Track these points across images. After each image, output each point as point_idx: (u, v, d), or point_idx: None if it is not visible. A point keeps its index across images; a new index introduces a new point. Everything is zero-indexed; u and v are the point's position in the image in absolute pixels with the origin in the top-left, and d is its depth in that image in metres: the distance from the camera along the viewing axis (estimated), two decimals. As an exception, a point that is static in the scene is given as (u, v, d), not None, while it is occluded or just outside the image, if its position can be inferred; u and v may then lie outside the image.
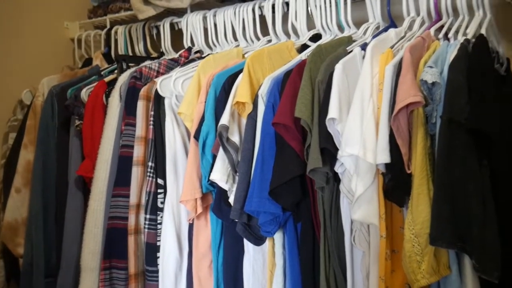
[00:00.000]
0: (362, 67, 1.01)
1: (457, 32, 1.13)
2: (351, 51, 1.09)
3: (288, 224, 1.10)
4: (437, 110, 0.93)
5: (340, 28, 1.36)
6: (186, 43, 1.62)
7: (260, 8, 1.48)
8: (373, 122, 0.94)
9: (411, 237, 0.92)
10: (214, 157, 1.14)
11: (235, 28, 1.52)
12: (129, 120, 1.31)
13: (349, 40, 1.25)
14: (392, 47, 1.06)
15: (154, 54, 1.75)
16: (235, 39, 1.53)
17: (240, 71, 1.18)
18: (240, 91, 1.12)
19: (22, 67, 1.77)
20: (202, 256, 1.22)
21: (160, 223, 1.25)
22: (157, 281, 1.24)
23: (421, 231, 0.91)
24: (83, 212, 1.38)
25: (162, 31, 1.70)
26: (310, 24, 1.40)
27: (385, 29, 1.23)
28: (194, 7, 1.63)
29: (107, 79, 1.49)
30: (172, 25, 1.70)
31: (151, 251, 1.25)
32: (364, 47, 1.07)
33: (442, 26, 1.18)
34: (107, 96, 1.41)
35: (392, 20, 1.29)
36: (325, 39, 1.35)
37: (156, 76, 1.39)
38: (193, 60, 1.46)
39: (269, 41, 1.47)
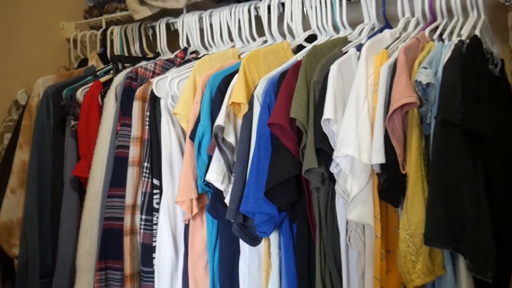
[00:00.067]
0: (357, 68, 1.02)
1: (451, 33, 1.14)
2: (347, 52, 1.10)
3: (283, 224, 1.10)
4: (431, 111, 0.93)
5: (336, 29, 1.37)
6: (182, 43, 1.62)
7: (256, 8, 1.48)
8: (368, 122, 0.95)
9: (406, 237, 0.93)
10: (209, 158, 1.14)
11: (231, 28, 1.52)
12: (125, 121, 1.31)
13: (345, 41, 1.26)
14: (387, 48, 1.06)
15: (150, 55, 1.75)
16: (231, 39, 1.53)
17: (236, 71, 1.18)
18: (235, 92, 1.12)
19: (18, 67, 1.76)
20: (198, 256, 1.22)
21: (156, 224, 1.25)
22: (153, 281, 1.24)
23: (416, 231, 0.92)
24: (78, 213, 1.38)
25: (158, 32, 1.70)
26: (306, 25, 1.40)
27: (380, 30, 1.23)
28: (190, 8, 1.63)
29: (102, 79, 1.48)
30: (168, 26, 1.70)
31: (147, 251, 1.25)
32: (359, 48, 1.07)
33: (436, 27, 1.18)
34: (103, 97, 1.41)
35: (387, 21, 1.30)
36: (321, 39, 1.36)
37: (152, 77, 1.39)
38: (189, 61, 1.46)
39: (265, 41, 1.47)
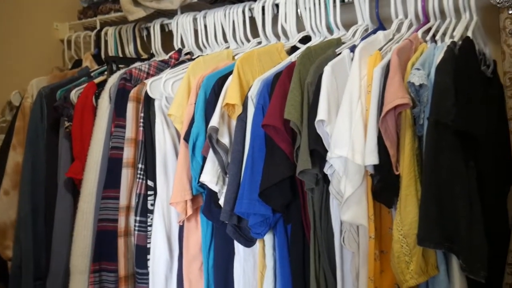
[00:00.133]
0: (350, 69, 1.02)
1: (444, 34, 1.15)
2: (340, 53, 1.10)
3: (278, 225, 1.10)
4: (424, 112, 0.94)
5: (330, 30, 1.37)
6: (176, 44, 1.62)
7: (250, 10, 1.49)
8: (362, 124, 0.95)
9: (400, 237, 0.93)
10: (204, 159, 1.14)
11: (225, 29, 1.52)
12: (119, 122, 1.30)
13: (338, 42, 1.26)
14: (380, 49, 1.07)
15: (144, 56, 1.74)
16: (225, 40, 1.54)
17: (230, 73, 1.18)
18: (230, 93, 1.12)
19: (11, 68, 1.76)
20: (192, 258, 1.22)
21: (150, 225, 1.25)
22: (147, 283, 1.24)
23: (409, 231, 0.92)
24: (72, 214, 1.37)
25: (152, 33, 1.70)
26: (300, 26, 1.40)
27: (374, 31, 1.24)
28: (184, 9, 1.63)
29: (96, 80, 1.48)
30: (162, 27, 1.70)
31: (141, 253, 1.25)
32: (353, 49, 1.08)
33: (429, 29, 1.19)
34: (97, 98, 1.41)
35: (380, 23, 1.30)
36: (315, 41, 1.36)
37: (146, 78, 1.39)
38: (183, 62, 1.46)
39: (259, 43, 1.47)
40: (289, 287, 1.09)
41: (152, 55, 1.71)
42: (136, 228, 1.25)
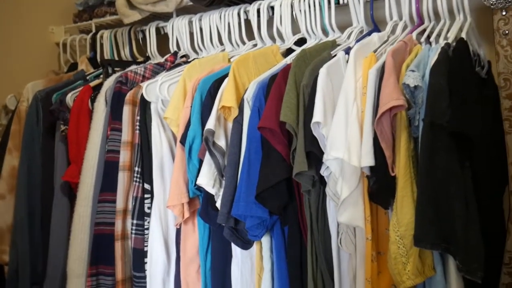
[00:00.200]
0: (346, 71, 1.03)
1: (438, 35, 1.15)
2: (335, 55, 1.10)
3: (275, 227, 1.10)
4: (419, 113, 0.94)
5: (325, 32, 1.37)
6: (172, 47, 1.62)
7: (246, 12, 1.49)
8: (357, 125, 0.95)
9: (396, 238, 0.93)
10: (200, 162, 1.14)
11: (220, 32, 1.52)
12: (115, 125, 1.30)
13: (333, 44, 1.27)
14: (375, 51, 1.07)
15: (140, 59, 1.74)
16: (221, 43, 1.54)
17: (226, 75, 1.18)
18: (225, 96, 1.13)
19: (7, 72, 1.75)
20: (190, 261, 1.22)
21: (147, 228, 1.24)
22: (145, 286, 1.24)
23: (405, 232, 0.93)
24: (69, 218, 1.37)
25: (148, 36, 1.70)
26: (295, 28, 1.41)
27: (369, 33, 1.24)
28: (180, 12, 1.63)
29: (92, 83, 1.48)
30: (158, 30, 1.70)
31: (138, 256, 1.24)
32: (348, 51, 1.08)
33: (424, 30, 1.19)
34: (93, 101, 1.41)
35: (375, 24, 1.31)
36: (310, 43, 1.36)
37: (142, 81, 1.39)
38: (179, 65, 1.46)
39: (255, 45, 1.47)
40: (287, 289, 1.09)
41: (147, 58, 1.71)
42: (133, 231, 1.24)
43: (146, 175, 1.25)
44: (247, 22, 1.49)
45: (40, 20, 1.92)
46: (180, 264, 1.22)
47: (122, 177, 1.26)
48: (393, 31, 1.24)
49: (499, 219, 1.15)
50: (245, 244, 1.12)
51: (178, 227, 1.23)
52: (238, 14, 1.49)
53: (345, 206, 0.96)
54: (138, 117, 1.28)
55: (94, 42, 1.81)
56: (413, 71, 0.93)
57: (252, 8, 1.46)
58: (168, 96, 1.26)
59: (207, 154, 1.12)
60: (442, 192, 0.89)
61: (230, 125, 1.14)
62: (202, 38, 1.56)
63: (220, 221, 1.08)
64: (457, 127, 0.89)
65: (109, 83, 1.39)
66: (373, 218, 1.00)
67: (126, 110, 1.29)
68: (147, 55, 1.71)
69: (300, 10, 1.39)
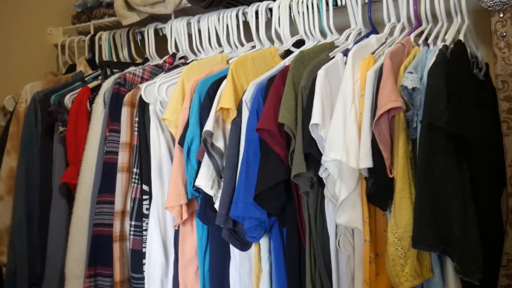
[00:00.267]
0: (344, 73, 1.03)
1: (436, 37, 1.16)
2: (333, 57, 1.10)
3: (273, 229, 1.10)
4: (417, 115, 0.94)
5: (323, 34, 1.38)
6: (171, 49, 1.62)
7: (244, 14, 1.49)
8: (356, 127, 0.95)
9: (394, 240, 0.93)
10: (199, 163, 1.14)
11: (219, 34, 1.52)
12: (113, 127, 1.30)
13: (332, 46, 1.27)
14: (373, 53, 1.07)
15: (139, 60, 1.74)
16: (219, 45, 1.54)
17: (224, 77, 1.18)
18: (224, 97, 1.13)
19: (5, 73, 1.75)
20: (188, 262, 1.22)
21: (146, 230, 1.24)
22: (143, 288, 1.24)
23: (404, 234, 0.93)
24: (67, 219, 1.37)
25: (146, 37, 1.70)
26: (293, 30, 1.41)
27: (367, 35, 1.25)
28: (178, 13, 1.63)
29: (91, 85, 1.48)
30: (156, 31, 1.70)
31: (137, 258, 1.24)
32: (346, 53, 1.08)
33: (422, 32, 1.20)
34: (91, 103, 1.40)
35: (373, 26, 1.31)
36: (308, 45, 1.37)
37: (141, 82, 1.39)
38: (177, 66, 1.46)
39: (253, 47, 1.47)
40: (285, 291, 1.09)
41: (146, 60, 1.71)
42: (132, 233, 1.24)
43: (145, 176, 1.25)
44: (246, 24, 1.49)
45: (38, 22, 1.91)
46: (179, 265, 1.22)
47: (121, 179, 1.26)
48: (391, 33, 1.24)
49: (497, 221, 1.16)
50: (244, 246, 1.12)
51: (177, 228, 1.23)
52: (237, 16, 1.49)
53: (343, 208, 0.96)
54: (137, 119, 1.28)
55: (92, 43, 1.81)
56: (411, 73, 0.93)
57: (250, 10, 1.46)
58: (166, 97, 1.26)
59: (205, 155, 1.12)
60: (440, 194, 0.90)
61: (228, 126, 1.15)
62: (200, 39, 1.56)
63: (219, 222, 1.08)
64: (455, 129, 0.90)
65: (107, 84, 1.39)
66: (371, 219, 1.00)
67: (125, 112, 1.29)
68: (145, 56, 1.72)
69: (298, 12, 1.39)
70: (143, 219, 1.25)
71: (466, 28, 1.15)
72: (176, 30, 1.60)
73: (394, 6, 1.27)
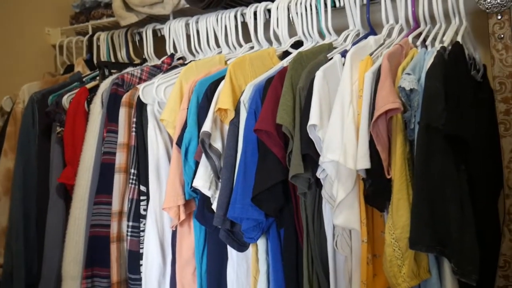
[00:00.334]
0: (342, 74, 1.03)
1: (434, 39, 1.16)
2: (332, 58, 1.11)
3: (271, 230, 1.10)
4: (415, 116, 0.94)
5: (321, 35, 1.38)
6: (169, 49, 1.62)
7: (242, 15, 1.49)
8: (353, 128, 0.95)
9: (392, 241, 0.93)
10: (196, 164, 1.14)
11: (217, 34, 1.53)
12: (111, 127, 1.30)
13: (330, 47, 1.27)
14: (371, 54, 1.07)
15: (137, 61, 1.75)
16: (218, 45, 1.54)
17: (222, 77, 1.18)
18: (222, 98, 1.13)
19: (3, 73, 1.75)
20: (185, 263, 1.22)
21: (143, 231, 1.24)
22: (140, 289, 1.23)
23: (401, 235, 0.93)
24: (64, 220, 1.36)
25: (144, 38, 1.70)
26: (292, 31, 1.41)
27: (365, 36, 1.25)
28: (177, 14, 1.64)
29: (89, 85, 1.48)
30: (154, 32, 1.70)
31: (134, 258, 1.24)
32: (344, 54, 1.08)
33: (420, 34, 1.20)
34: (89, 103, 1.40)
35: (371, 28, 1.31)
36: (306, 46, 1.37)
37: (139, 83, 1.39)
38: (175, 67, 1.46)
39: (251, 47, 1.47)
40: (283, 292, 1.09)
41: (144, 60, 1.71)
42: (129, 234, 1.24)
43: (142, 177, 1.25)
44: (244, 24, 1.49)
45: (36, 22, 1.91)
46: (176, 266, 1.22)
47: (118, 179, 1.26)
48: (389, 34, 1.25)
49: (494, 222, 1.16)
50: (241, 247, 1.12)
51: (174, 229, 1.23)
52: (235, 17, 1.50)
53: (341, 209, 0.96)
54: (135, 119, 1.28)
55: (90, 44, 1.81)
56: (409, 74, 0.94)
57: (248, 11, 1.46)
58: (164, 98, 1.26)
59: (203, 156, 1.12)
60: (437, 195, 0.90)
61: (226, 127, 1.14)
62: (199, 40, 1.56)
63: (216, 223, 1.08)
64: (453, 130, 0.90)
65: (105, 85, 1.39)
66: (368, 220, 1.00)
67: (123, 112, 1.29)
68: (143, 57, 1.72)
69: (297, 13, 1.39)
70: (141, 220, 1.25)
71: (464, 29, 1.16)
72: (174, 30, 1.60)
73: (392, 8, 1.28)
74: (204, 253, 1.19)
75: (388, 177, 0.95)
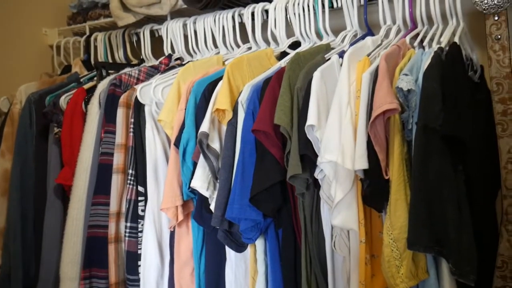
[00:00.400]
0: (339, 75, 1.03)
1: (432, 40, 1.16)
2: (329, 58, 1.11)
3: (269, 230, 1.10)
4: (413, 117, 0.95)
5: (319, 36, 1.38)
6: (167, 50, 1.62)
7: (240, 15, 1.49)
8: (351, 129, 0.96)
9: (390, 242, 0.94)
10: (194, 164, 1.14)
11: (215, 35, 1.53)
12: (109, 128, 1.30)
13: (327, 48, 1.27)
14: (368, 55, 1.08)
15: (134, 61, 1.74)
16: (215, 46, 1.54)
17: (220, 78, 1.18)
18: (220, 98, 1.13)
19: (0, 74, 1.74)
20: (183, 263, 1.22)
21: (141, 231, 1.24)
22: (139, 289, 1.23)
23: (399, 236, 0.93)
24: (62, 221, 1.36)
25: (142, 38, 1.70)
26: (289, 32, 1.41)
27: (362, 37, 1.25)
28: (174, 14, 1.63)
29: (86, 86, 1.47)
30: (152, 32, 1.70)
31: (132, 259, 1.24)
32: (341, 54, 1.09)
33: (417, 34, 1.20)
34: (86, 104, 1.40)
35: (369, 28, 1.31)
36: (304, 46, 1.37)
37: (136, 83, 1.39)
38: (173, 67, 1.46)
39: (249, 48, 1.47)
40: (281, 292, 1.09)
41: (142, 61, 1.71)
42: (127, 234, 1.24)
43: (140, 177, 1.25)
44: (242, 25, 1.49)
45: (33, 22, 1.91)
46: (174, 267, 1.22)
47: (116, 180, 1.26)
48: (386, 35, 1.25)
49: (491, 223, 1.16)
50: (239, 247, 1.12)
51: (172, 229, 1.23)
52: (233, 17, 1.50)
53: (339, 209, 0.96)
54: (132, 120, 1.27)
55: (88, 44, 1.81)
56: (406, 75, 0.94)
57: (246, 12, 1.46)
58: (162, 98, 1.26)
59: (201, 156, 1.12)
60: (435, 195, 0.90)
61: (224, 128, 1.15)
62: (196, 41, 1.56)
63: (214, 223, 1.08)
64: (450, 131, 0.90)
65: (103, 85, 1.39)
66: (366, 221, 1.00)
67: (120, 113, 1.29)
68: (141, 57, 1.71)
69: (294, 14, 1.39)
70: (139, 220, 1.24)
71: (461, 30, 1.16)
72: (172, 31, 1.60)
73: (389, 8, 1.28)
74: (202, 254, 1.19)
75: (386, 177, 0.95)
